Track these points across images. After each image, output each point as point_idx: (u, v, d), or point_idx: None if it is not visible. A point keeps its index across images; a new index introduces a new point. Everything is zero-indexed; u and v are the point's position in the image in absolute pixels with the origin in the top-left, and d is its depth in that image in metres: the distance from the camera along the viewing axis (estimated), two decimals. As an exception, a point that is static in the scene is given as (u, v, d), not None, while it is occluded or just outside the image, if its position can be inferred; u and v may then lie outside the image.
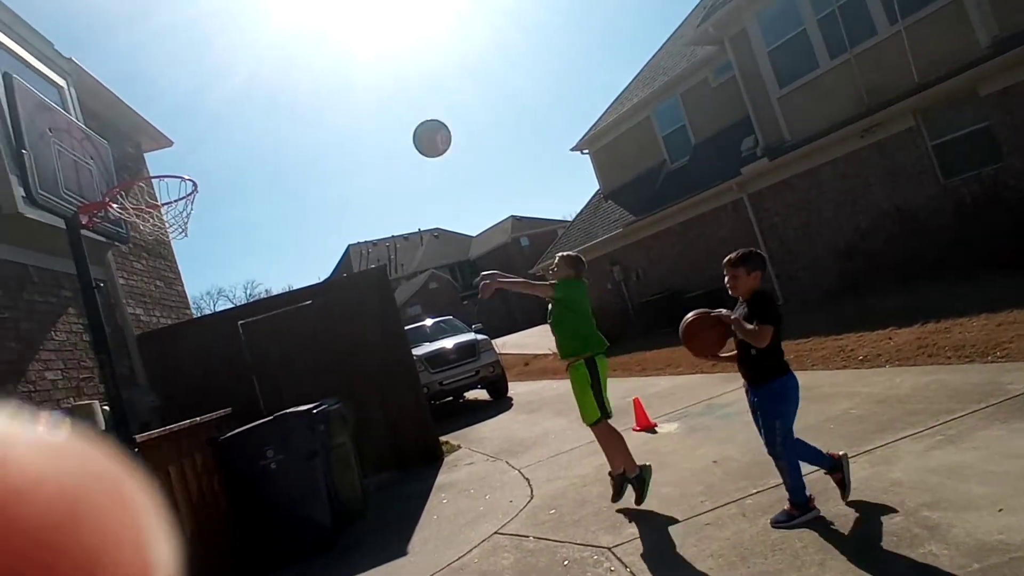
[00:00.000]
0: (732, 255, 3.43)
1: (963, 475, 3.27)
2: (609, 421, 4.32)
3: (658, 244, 14.83)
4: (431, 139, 4.58)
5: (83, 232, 3.64)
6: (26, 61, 5.99)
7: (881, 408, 4.73)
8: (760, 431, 3.45)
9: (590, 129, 17.93)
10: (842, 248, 11.08)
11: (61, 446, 0.21)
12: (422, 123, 4.56)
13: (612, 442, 4.25)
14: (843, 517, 3.20)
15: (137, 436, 3.78)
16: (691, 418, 6.11)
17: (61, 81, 6.48)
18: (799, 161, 11.30)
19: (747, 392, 3.58)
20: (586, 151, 18.23)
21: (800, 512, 3.27)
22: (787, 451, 3.31)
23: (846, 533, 3.04)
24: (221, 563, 4.84)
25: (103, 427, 5.58)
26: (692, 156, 14.92)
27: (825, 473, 3.45)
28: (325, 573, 4.59)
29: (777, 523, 3.30)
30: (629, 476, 4.20)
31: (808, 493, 3.32)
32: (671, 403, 6.99)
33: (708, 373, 8.26)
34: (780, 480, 3.86)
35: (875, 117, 9.94)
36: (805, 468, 3.39)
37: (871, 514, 3.14)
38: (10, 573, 0.17)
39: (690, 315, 3.56)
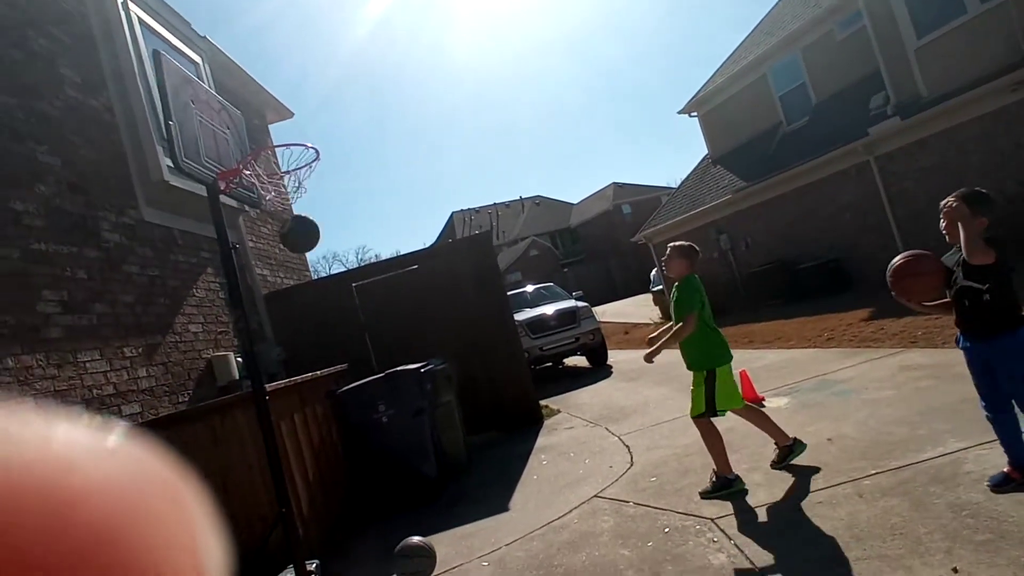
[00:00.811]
0: (953, 195, 2.99)
1: (1125, 469, 2.93)
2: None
3: (769, 212, 14.04)
4: (305, 241, 4.58)
5: (221, 197, 3.96)
6: (168, 40, 6.52)
7: None
8: (982, 391, 3.12)
9: (700, 90, 17.12)
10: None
11: (119, 453, 0.21)
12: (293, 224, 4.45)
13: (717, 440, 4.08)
14: (974, 505, 2.97)
15: (267, 385, 4.13)
16: (803, 393, 5.83)
17: (197, 58, 7.01)
18: (937, 119, 10.23)
19: (967, 350, 3.17)
20: (694, 114, 17.46)
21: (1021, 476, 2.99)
22: None
23: (977, 522, 2.82)
24: (338, 506, 5.24)
25: (236, 377, 6.13)
26: (812, 116, 13.89)
27: None
28: (432, 522, 4.84)
29: (994, 485, 3.04)
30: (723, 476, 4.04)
31: None
32: (781, 377, 6.70)
33: (822, 348, 7.83)
34: (902, 462, 3.64)
35: (1034, 68, 8.79)
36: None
37: (1008, 504, 2.89)
38: None
39: (908, 254, 3.14)
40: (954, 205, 2.98)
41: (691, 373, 4.21)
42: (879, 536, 2.93)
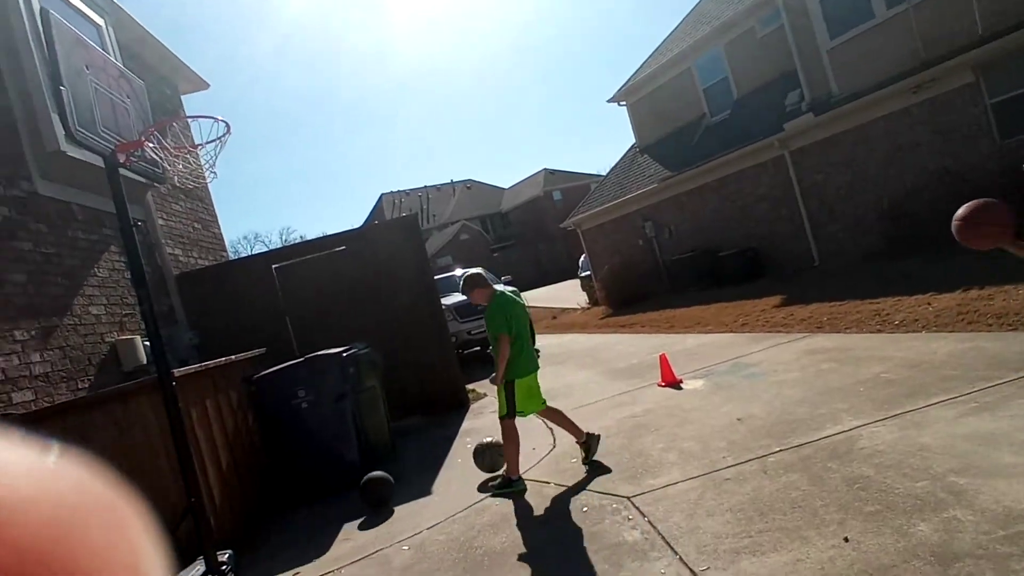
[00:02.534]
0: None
1: (995, 443, 3.21)
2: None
3: (693, 201, 14.52)
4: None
5: (121, 171, 3.70)
6: (67, 0, 6.01)
7: (914, 373, 4.64)
8: None
9: (628, 80, 17.41)
10: (886, 209, 10.69)
11: (54, 470, 0.21)
12: None
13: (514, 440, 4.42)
14: (865, 479, 3.18)
15: (176, 371, 3.92)
16: (717, 376, 6.09)
17: (100, 20, 6.50)
18: (846, 117, 10.83)
19: None
20: (623, 103, 17.75)
21: None
22: None
23: (868, 494, 3.03)
24: (254, 495, 5.07)
25: (144, 361, 5.80)
26: (733, 110, 14.41)
27: None
28: (353, 508, 4.76)
29: None
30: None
31: None
32: (698, 361, 6.97)
33: (737, 332, 8.19)
34: (804, 440, 3.86)
35: (931, 72, 9.42)
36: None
37: (895, 477, 3.11)
38: None
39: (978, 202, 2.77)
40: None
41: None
42: (780, 510, 3.10)
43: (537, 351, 11.07)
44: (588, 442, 4.52)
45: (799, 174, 11.98)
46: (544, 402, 4.60)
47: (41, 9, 3.54)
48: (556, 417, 4.62)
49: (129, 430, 4.14)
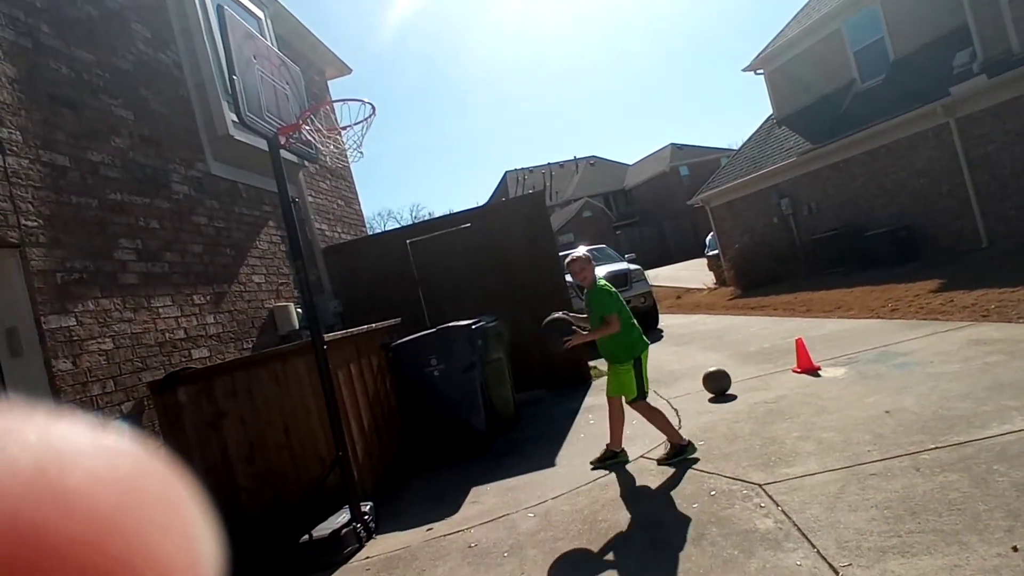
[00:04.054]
0: None
1: None
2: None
3: (837, 175, 13.42)
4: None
5: (281, 151, 4.06)
6: (231, -5, 6.62)
7: (1107, 372, 4.05)
8: None
9: (767, 46, 16.31)
10: (1076, 184, 9.30)
11: (116, 448, 0.22)
12: None
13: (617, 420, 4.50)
14: (1042, 485, 2.85)
15: (325, 336, 4.29)
16: (861, 364, 5.66)
17: (260, 13, 7.10)
18: (1030, 78, 9.47)
19: None
20: (760, 71, 16.67)
21: None
22: None
23: (1044, 502, 2.71)
24: (390, 454, 5.45)
25: (296, 326, 6.38)
26: (888, 75, 13.07)
27: None
28: (480, 474, 4.99)
29: None
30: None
31: None
32: (839, 347, 6.51)
33: (885, 318, 7.54)
34: (965, 438, 3.52)
35: None
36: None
37: (1080, 486, 2.76)
38: (65, 573, 0.19)
39: None
40: None
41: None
42: (935, 511, 2.86)
43: (660, 330, 10.91)
44: (617, 455, 4.52)
45: (966, 144, 10.68)
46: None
47: (218, 6, 3.95)
48: (620, 415, 4.58)
49: (286, 387, 4.60)
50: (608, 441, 4.60)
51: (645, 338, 4.52)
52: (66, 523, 0.19)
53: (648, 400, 4.44)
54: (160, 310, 4.88)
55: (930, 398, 4.34)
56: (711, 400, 5.66)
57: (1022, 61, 9.41)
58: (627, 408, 4.49)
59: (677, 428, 5.05)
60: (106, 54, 4.97)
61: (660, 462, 4.33)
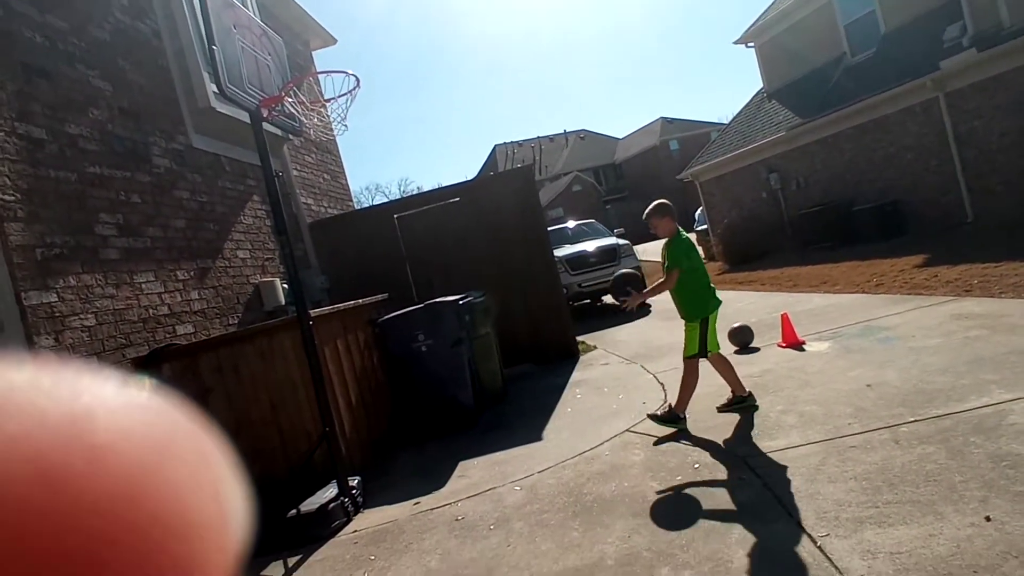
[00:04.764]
0: None
1: None
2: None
3: (825, 150, 13.42)
4: None
5: (264, 125, 3.98)
6: (211, -38, 6.43)
7: (1084, 345, 4.12)
8: None
9: (759, 18, 16.14)
10: (1061, 159, 9.35)
11: (147, 405, 0.22)
12: None
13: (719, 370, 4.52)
14: (1015, 456, 2.91)
15: (311, 311, 4.27)
16: (845, 339, 5.73)
17: (240, -20, 6.91)
18: (1018, 53, 9.44)
19: None
20: (751, 44, 16.53)
21: None
22: None
23: (1017, 473, 2.78)
24: (378, 429, 5.47)
25: (283, 302, 6.34)
26: (879, 48, 13.00)
27: None
28: (468, 448, 5.03)
29: None
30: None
31: None
32: (824, 322, 6.57)
33: (870, 293, 7.62)
34: (943, 411, 3.58)
35: None
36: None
37: (1053, 457, 2.83)
38: (96, 526, 0.19)
39: None
40: None
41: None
42: (912, 482, 2.92)
43: (648, 305, 10.97)
44: (745, 400, 4.48)
45: (954, 119, 10.70)
46: (718, 344, 4.57)
47: (195, -27, 3.85)
48: (724, 366, 4.54)
49: (272, 363, 4.58)
50: (729, 392, 4.57)
51: (718, 296, 4.50)
52: (98, 476, 0.19)
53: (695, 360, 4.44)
54: (143, 286, 4.83)
55: (911, 372, 4.40)
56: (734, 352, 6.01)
57: (1012, 35, 9.39)
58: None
59: (662, 401, 5.11)
60: (82, 22, 4.83)
61: (720, 409, 4.50)
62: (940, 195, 11.29)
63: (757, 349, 6.04)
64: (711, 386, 5.22)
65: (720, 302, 4.50)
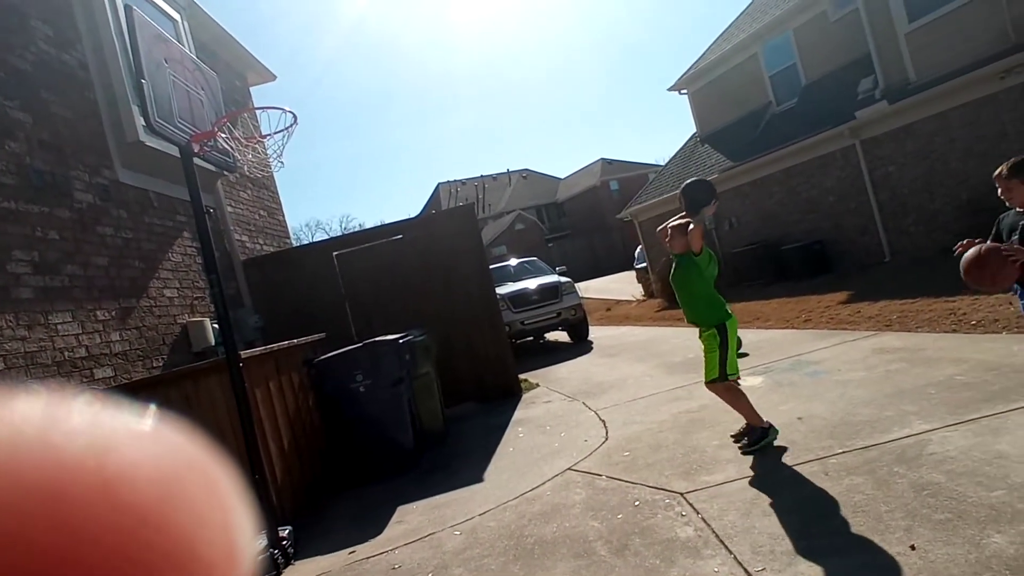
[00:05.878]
0: (1003, 167, 3.19)
1: (1082, 453, 3.01)
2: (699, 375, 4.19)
3: (755, 192, 14.08)
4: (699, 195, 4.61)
5: (195, 160, 3.87)
6: (145, -5, 6.30)
7: (992, 376, 4.38)
8: None
9: (691, 67, 16.98)
10: (965, 202, 10.08)
11: (154, 433, 0.22)
12: None
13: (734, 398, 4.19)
14: (935, 485, 3.03)
15: (242, 352, 4.10)
16: (777, 373, 5.91)
17: (176, 15, 6.79)
18: (924, 105, 10.25)
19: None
20: (684, 91, 17.34)
21: None
22: None
23: (938, 501, 2.89)
24: (313, 474, 5.25)
25: (212, 343, 6.08)
26: (801, 98, 13.86)
27: None
28: (408, 491, 4.88)
29: None
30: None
31: None
32: (757, 357, 6.78)
33: (800, 329, 7.92)
34: (868, 442, 3.72)
35: (1021, 56, 8.81)
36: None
37: (968, 485, 2.96)
38: (109, 551, 0.18)
39: (976, 250, 3.14)
40: (1005, 174, 3.19)
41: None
42: (841, 514, 3.00)
43: (590, 342, 11.07)
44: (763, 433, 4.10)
45: (870, 165, 11.44)
46: (738, 367, 4.21)
47: (125, 5, 3.74)
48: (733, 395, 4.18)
49: (199, 407, 4.35)
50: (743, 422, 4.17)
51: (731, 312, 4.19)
52: (108, 511, 0.19)
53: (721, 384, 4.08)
54: (59, 327, 4.54)
55: (838, 404, 4.56)
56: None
57: (918, 89, 10.18)
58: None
59: (603, 439, 5.12)
60: (1, 51, 4.62)
61: (743, 450, 4.03)
62: (860, 235, 11.97)
63: (765, 434, 5.87)
64: (650, 423, 5.28)
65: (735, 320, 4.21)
